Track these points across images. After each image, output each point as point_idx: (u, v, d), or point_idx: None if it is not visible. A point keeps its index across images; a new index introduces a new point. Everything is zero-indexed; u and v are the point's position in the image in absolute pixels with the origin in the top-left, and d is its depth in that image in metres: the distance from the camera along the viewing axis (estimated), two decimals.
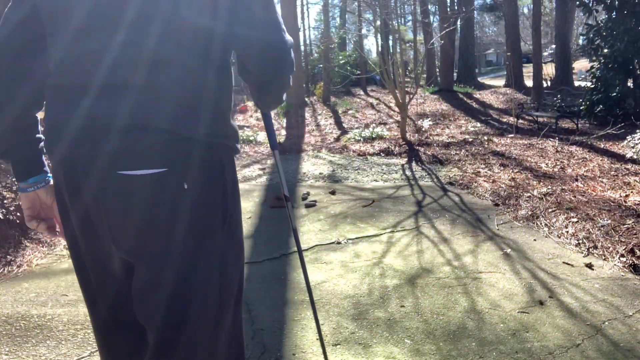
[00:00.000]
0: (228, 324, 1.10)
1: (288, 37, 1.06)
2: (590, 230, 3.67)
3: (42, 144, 1.12)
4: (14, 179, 3.49)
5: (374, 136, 9.37)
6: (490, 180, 5.51)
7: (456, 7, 18.62)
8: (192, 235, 1.02)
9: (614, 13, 10.28)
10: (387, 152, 7.93)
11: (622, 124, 9.00)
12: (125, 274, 1.08)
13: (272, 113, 13.82)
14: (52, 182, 1.14)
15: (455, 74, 21.06)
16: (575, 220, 3.91)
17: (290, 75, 1.12)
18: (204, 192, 1.03)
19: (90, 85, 0.96)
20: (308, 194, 5.14)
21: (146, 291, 1.02)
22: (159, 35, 0.95)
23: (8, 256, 3.23)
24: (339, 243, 3.67)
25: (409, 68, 19.75)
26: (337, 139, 9.72)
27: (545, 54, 24.51)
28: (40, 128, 1.13)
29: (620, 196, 4.57)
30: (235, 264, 1.12)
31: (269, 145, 8.85)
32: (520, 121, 11.18)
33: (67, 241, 1.11)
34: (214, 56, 1.02)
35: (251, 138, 9.40)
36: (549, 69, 17.75)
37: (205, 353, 1.06)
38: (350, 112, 13.99)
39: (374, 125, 11.25)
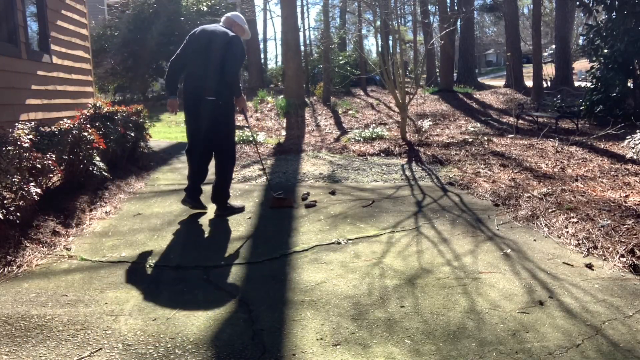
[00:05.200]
0: (233, 150, 4.64)
1: (235, 70, 4.36)
2: (590, 230, 3.67)
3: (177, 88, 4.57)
4: (14, 179, 3.48)
5: (374, 136, 9.36)
6: (490, 181, 5.51)
7: (456, 8, 18.60)
8: (225, 118, 4.41)
9: (614, 13, 10.29)
10: (387, 153, 7.93)
11: (622, 124, 9.00)
12: (204, 131, 4.37)
13: (272, 113, 13.72)
14: (177, 97, 4.51)
15: (455, 75, 21.06)
16: (575, 220, 3.90)
17: (238, 79, 4.60)
18: (227, 104, 4.37)
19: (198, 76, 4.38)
20: (308, 194, 5.14)
21: (213, 138, 4.40)
22: (214, 65, 4.24)
23: (8, 256, 3.23)
24: (338, 243, 3.67)
25: (409, 68, 19.75)
26: (337, 139, 9.72)
27: (545, 54, 24.51)
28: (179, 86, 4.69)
29: (620, 196, 4.57)
30: (234, 130, 4.64)
31: (267, 144, 8.86)
32: (520, 121, 11.19)
33: (186, 117, 4.47)
34: (222, 70, 4.25)
35: (250, 138, 9.35)
36: (549, 69, 17.76)
37: (232, 155, 4.60)
38: (350, 112, 13.99)
39: (374, 125, 11.25)
